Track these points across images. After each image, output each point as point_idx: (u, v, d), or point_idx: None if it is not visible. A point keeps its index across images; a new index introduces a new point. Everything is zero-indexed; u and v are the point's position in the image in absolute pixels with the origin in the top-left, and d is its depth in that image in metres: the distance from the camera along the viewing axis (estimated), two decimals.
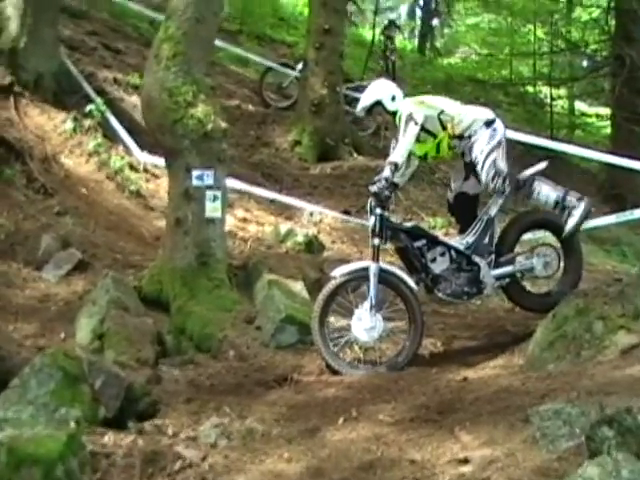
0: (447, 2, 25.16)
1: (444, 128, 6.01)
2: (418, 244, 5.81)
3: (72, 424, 4.44)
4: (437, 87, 16.70)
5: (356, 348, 5.75)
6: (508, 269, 5.97)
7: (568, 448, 3.46)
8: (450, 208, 6.36)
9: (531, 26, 19.30)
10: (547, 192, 5.96)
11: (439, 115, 6.01)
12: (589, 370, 4.57)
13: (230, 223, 9.75)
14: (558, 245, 6.14)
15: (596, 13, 18.74)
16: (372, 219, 5.72)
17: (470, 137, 5.99)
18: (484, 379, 5.08)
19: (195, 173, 6.72)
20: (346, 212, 10.84)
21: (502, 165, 5.90)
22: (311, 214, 10.35)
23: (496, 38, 20.66)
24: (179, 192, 6.79)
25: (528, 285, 6.38)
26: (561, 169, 15.20)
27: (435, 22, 29.57)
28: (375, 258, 5.61)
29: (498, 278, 5.93)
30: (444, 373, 5.33)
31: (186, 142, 6.72)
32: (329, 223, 10.45)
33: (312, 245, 9.31)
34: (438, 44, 28.66)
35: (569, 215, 5.90)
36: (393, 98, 6.09)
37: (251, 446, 4.29)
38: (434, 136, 6.04)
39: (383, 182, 5.69)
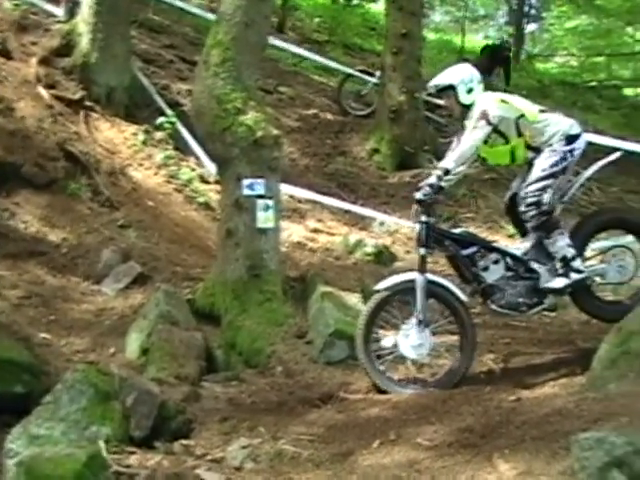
0: (540, 7, 24.42)
1: (519, 134, 5.44)
2: (468, 252, 5.32)
3: (100, 443, 4.34)
4: (531, 93, 16.06)
5: (406, 365, 5.39)
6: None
7: None
8: (506, 208, 5.75)
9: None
10: (562, 245, 5.38)
11: (517, 119, 5.43)
12: None
13: (300, 234, 9.59)
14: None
15: None
16: (417, 227, 5.28)
17: (545, 150, 5.43)
18: (539, 400, 4.66)
19: (245, 182, 6.46)
20: None
21: (546, 198, 5.32)
22: (381, 224, 10.01)
23: (591, 41, 19.82)
24: (230, 202, 6.56)
25: (600, 292, 5.80)
26: None
27: (533, 27, 28.81)
28: (422, 269, 5.18)
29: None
30: (498, 392, 4.90)
31: (236, 150, 6.48)
32: (405, 233, 10.09)
33: (382, 256, 9.01)
34: (536, 49, 27.94)
35: (562, 275, 5.36)
36: (470, 90, 5.47)
37: (277, 470, 4.10)
38: (506, 140, 5.46)
39: (428, 189, 5.24)
